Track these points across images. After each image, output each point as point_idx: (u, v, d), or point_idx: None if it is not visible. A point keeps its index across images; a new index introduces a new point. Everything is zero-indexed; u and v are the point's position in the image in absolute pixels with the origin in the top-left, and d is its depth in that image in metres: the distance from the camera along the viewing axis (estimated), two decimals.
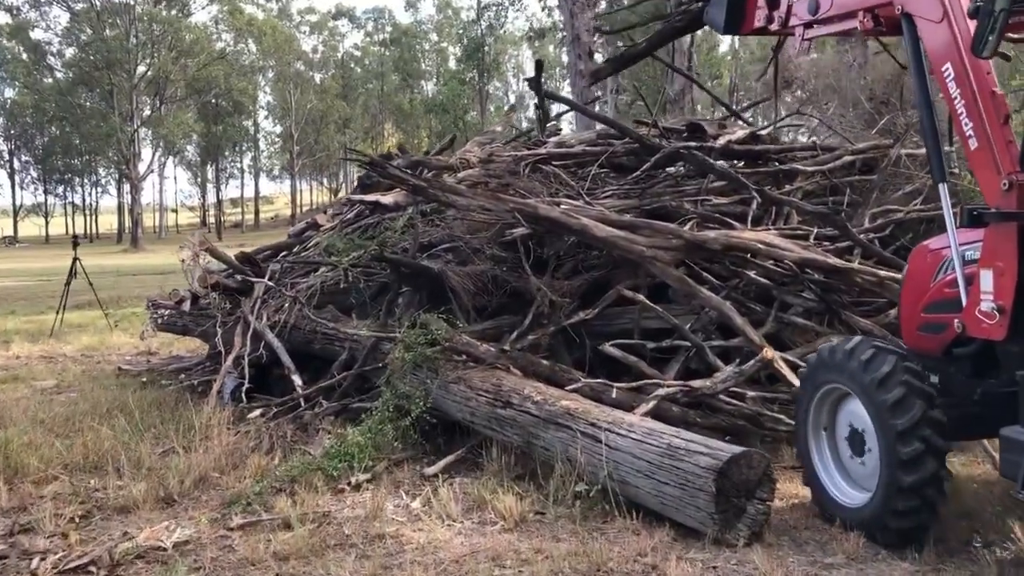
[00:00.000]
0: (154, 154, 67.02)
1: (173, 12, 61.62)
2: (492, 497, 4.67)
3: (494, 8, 61.82)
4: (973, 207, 4.10)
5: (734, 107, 13.58)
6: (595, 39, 14.25)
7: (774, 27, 5.08)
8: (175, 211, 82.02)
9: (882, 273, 6.02)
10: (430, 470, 5.26)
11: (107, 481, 5.20)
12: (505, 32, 67.18)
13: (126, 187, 63.86)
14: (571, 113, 12.49)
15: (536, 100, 9.84)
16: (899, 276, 5.15)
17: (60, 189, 76.72)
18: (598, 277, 6.53)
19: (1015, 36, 4.62)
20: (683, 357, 6.09)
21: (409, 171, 7.53)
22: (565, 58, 29.49)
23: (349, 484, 5.06)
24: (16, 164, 73.61)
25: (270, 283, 7.92)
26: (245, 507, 4.70)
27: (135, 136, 59.49)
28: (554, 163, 7.81)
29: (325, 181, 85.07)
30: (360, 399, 6.46)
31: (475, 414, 5.50)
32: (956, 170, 7.19)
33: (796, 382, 4.94)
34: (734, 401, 5.43)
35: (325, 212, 9.92)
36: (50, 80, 65.41)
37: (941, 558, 3.86)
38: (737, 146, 8.08)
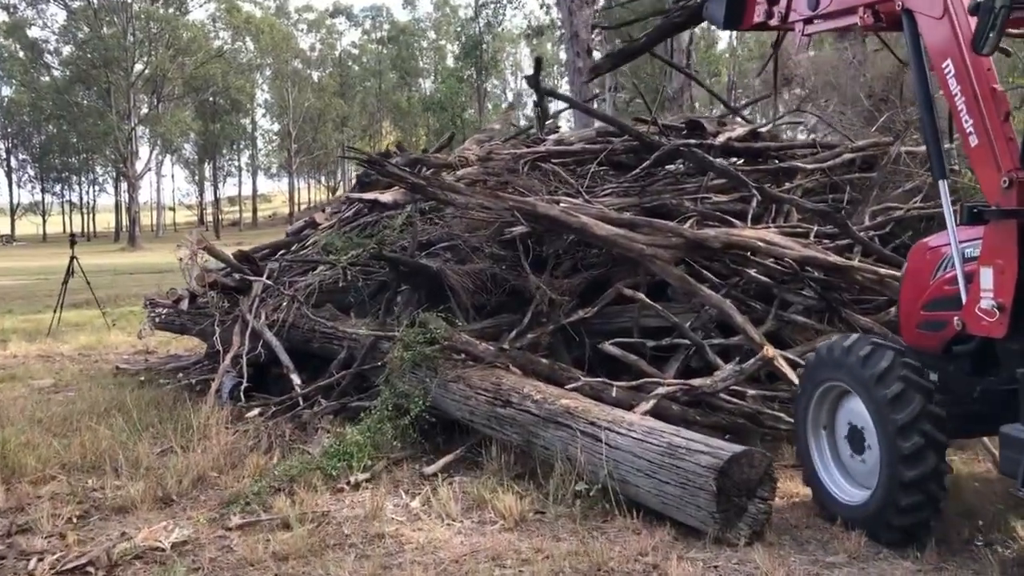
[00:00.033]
0: (151, 152, 67.03)
1: (171, 10, 61.62)
2: (492, 496, 4.66)
3: (492, 6, 61.83)
4: (973, 204, 4.09)
5: (732, 105, 13.55)
6: (593, 36, 14.23)
7: (774, 22, 5.06)
8: (173, 209, 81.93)
9: (882, 271, 6.01)
10: (429, 469, 5.25)
11: (105, 481, 5.19)
12: (503, 30, 67.20)
13: (123, 185, 63.88)
14: (570, 111, 12.48)
15: (535, 97, 9.81)
16: (899, 274, 5.14)
17: (57, 188, 76.72)
18: (597, 275, 6.51)
19: (1015, 31, 4.61)
20: (683, 355, 6.08)
21: (408, 169, 7.51)
22: (563, 56, 29.46)
23: (348, 483, 5.04)
24: (13, 163, 73.67)
25: (268, 282, 7.90)
26: (244, 507, 4.68)
27: (132, 134, 59.44)
28: (553, 161, 7.80)
29: (323, 179, 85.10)
30: (359, 398, 6.44)
31: (474, 413, 5.48)
32: (956, 167, 7.20)
33: (796, 380, 4.93)
34: (734, 400, 5.42)
35: (323, 210, 9.91)
36: (47, 78, 65.36)
37: (943, 557, 3.85)
38: (737, 143, 8.07)
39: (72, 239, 14.26)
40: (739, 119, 10.32)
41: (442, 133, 34.00)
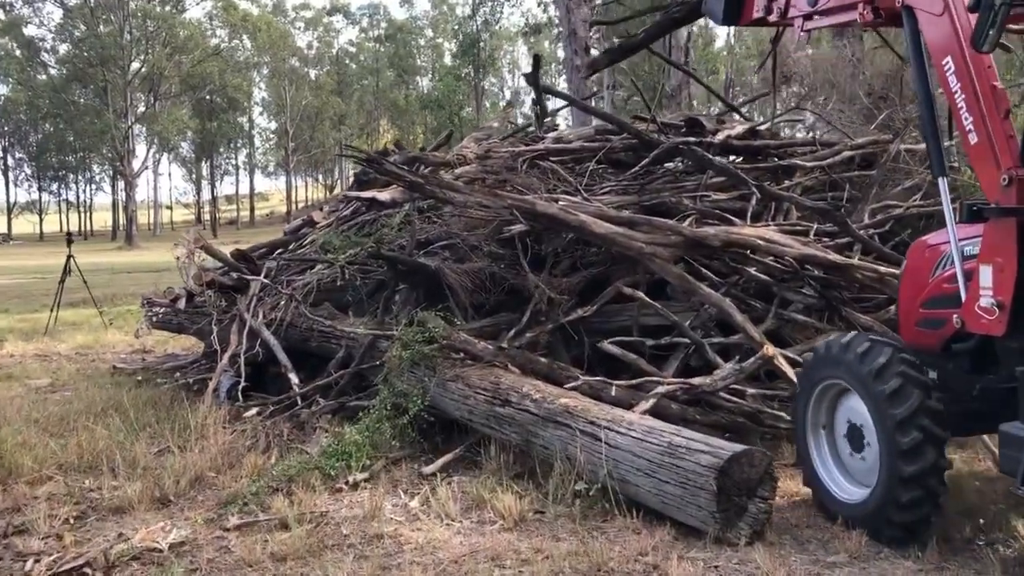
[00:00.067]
0: (148, 151, 67.01)
1: (167, 8, 61.54)
2: (491, 496, 4.64)
3: (489, 3, 61.84)
4: (973, 202, 4.07)
5: (731, 102, 13.53)
6: (592, 34, 14.21)
7: (773, 18, 5.05)
8: (170, 208, 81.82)
9: (882, 269, 6.00)
10: (428, 469, 5.23)
11: (102, 481, 5.16)
12: (501, 28, 67.29)
13: (120, 184, 63.67)
14: (568, 109, 12.45)
15: (533, 95, 9.79)
16: (899, 272, 5.13)
17: (54, 186, 76.55)
18: (596, 274, 6.50)
19: (1016, 28, 4.60)
20: (682, 354, 6.07)
21: (406, 167, 7.48)
22: (561, 54, 29.47)
23: (347, 483, 5.03)
24: (10, 161, 73.47)
25: (266, 281, 7.88)
26: (241, 507, 4.66)
27: (129, 133, 59.38)
28: (552, 159, 7.78)
29: (320, 177, 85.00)
30: (357, 397, 6.42)
31: (473, 412, 5.46)
32: (956, 165, 7.20)
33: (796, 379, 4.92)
34: (734, 398, 5.41)
35: (321, 209, 9.88)
36: (44, 77, 65.27)
37: (944, 556, 3.84)
38: (736, 141, 8.06)
39: (69, 238, 14.22)
40: (738, 117, 10.32)
41: (440, 131, 33.95)
